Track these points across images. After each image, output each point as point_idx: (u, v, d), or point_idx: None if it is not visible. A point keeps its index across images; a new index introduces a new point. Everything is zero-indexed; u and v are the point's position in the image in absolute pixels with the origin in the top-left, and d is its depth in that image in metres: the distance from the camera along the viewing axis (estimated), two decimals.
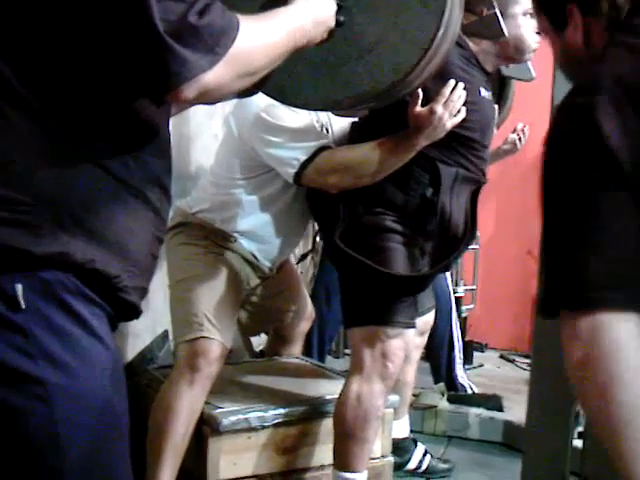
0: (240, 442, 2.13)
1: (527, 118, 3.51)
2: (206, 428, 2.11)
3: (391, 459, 2.38)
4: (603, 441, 0.96)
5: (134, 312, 1.12)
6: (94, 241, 1.00)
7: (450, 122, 1.92)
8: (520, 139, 2.73)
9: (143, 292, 1.12)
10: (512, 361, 4.12)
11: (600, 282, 0.95)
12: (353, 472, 2.08)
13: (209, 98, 1.05)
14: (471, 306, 4.06)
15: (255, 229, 2.26)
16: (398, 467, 2.57)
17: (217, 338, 2.10)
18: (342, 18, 1.43)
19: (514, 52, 2.13)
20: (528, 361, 3.99)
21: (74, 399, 0.98)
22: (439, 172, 2.03)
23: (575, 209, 0.99)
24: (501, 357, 4.21)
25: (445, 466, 2.77)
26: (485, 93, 2.13)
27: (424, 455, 2.73)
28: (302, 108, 1.84)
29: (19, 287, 0.94)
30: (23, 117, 0.97)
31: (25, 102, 0.97)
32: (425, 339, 2.65)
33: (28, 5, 0.97)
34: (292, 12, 1.22)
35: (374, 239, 2.05)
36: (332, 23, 1.35)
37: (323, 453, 2.25)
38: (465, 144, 2.07)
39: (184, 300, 2.17)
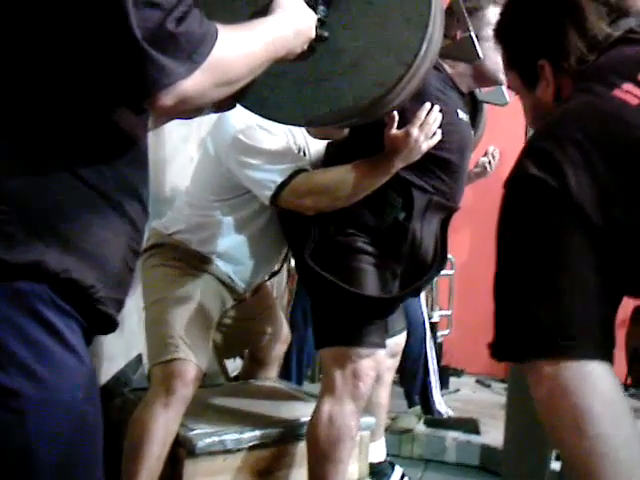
0: (216, 465, 2.10)
1: (501, 143, 3.56)
2: (181, 450, 2.08)
3: None
4: (578, 476, 0.94)
5: (110, 324, 1.11)
6: (69, 250, 0.99)
7: (426, 144, 1.94)
8: (490, 162, 2.76)
9: (119, 304, 1.11)
10: (488, 386, 4.12)
11: (559, 331, 0.95)
12: None
13: (187, 106, 1.04)
14: (447, 331, 4.06)
15: (231, 251, 2.26)
16: None
17: (193, 360, 2.08)
18: (325, 34, 1.45)
19: (489, 74, 2.16)
20: (504, 386, 4.00)
21: (47, 411, 0.97)
22: (412, 197, 2.04)
23: (534, 254, 0.98)
24: (477, 382, 4.22)
25: None
26: (463, 115, 2.16)
27: (401, 479, 2.71)
28: (285, 124, 1.85)
29: None
30: None
31: None
32: (397, 361, 2.63)
33: (4, 9, 0.96)
34: (271, 22, 1.23)
35: (345, 259, 2.05)
36: (312, 34, 1.35)
37: (299, 476, 2.23)
38: (443, 166, 2.08)
39: (159, 322, 2.16)
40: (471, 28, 1.99)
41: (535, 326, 0.97)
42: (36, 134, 0.98)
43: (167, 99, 0.98)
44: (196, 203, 2.28)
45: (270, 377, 2.71)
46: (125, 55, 0.94)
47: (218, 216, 2.24)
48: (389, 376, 2.60)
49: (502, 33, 1.29)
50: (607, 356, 0.96)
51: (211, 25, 1.03)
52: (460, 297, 4.21)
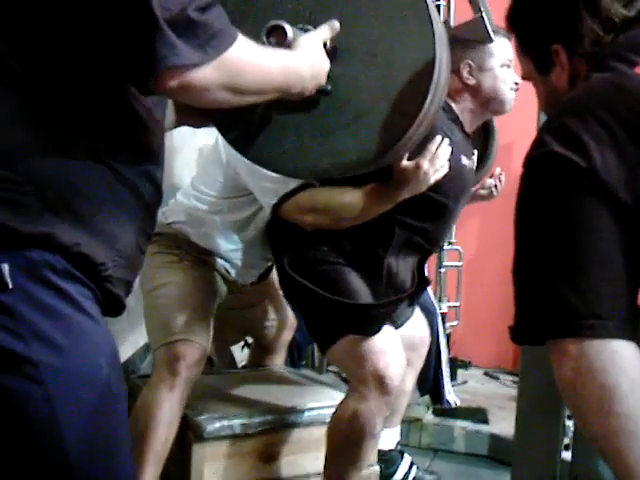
0: (224, 449, 2.10)
1: (512, 136, 3.54)
2: (190, 434, 2.08)
3: (377, 468, 2.35)
4: (605, 455, 0.95)
5: (118, 306, 1.10)
6: (81, 226, 0.99)
7: (434, 177, 1.94)
8: (496, 186, 2.74)
9: (128, 286, 1.11)
10: (496, 378, 4.10)
11: (585, 309, 0.94)
12: None
13: (188, 96, 1.03)
14: (455, 323, 4.04)
15: (228, 249, 2.30)
16: (384, 478, 2.54)
17: (196, 340, 2.08)
18: (328, 87, 1.44)
19: (494, 104, 2.20)
20: (512, 378, 3.98)
21: (69, 378, 0.96)
22: (393, 234, 2.05)
23: (558, 232, 0.97)
24: (485, 374, 4.19)
25: (431, 477, 2.74)
26: (466, 161, 2.18)
27: (410, 467, 2.69)
28: (291, 177, 1.86)
29: (5, 266, 0.92)
30: (13, 94, 0.95)
31: (16, 79, 0.95)
32: (421, 353, 2.58)
33: None
34: (293, 54, 1.25)
35: (322, 267, 2.05)
36: (324, 80, 1.37)
37: (308, 462, 2.22)
38: (436, 209, 2.10)
39: (159, 306, 2.16)
40: (483, 8, 1.98)
41: (559, 304, 0.95)
42: (52, 108, 0.98)
43: (171, 80, 0.97)
44: (199, 198, 2.31)
45: (277, 364, 2.71)
46: (140, 29, 0.93)
47: (219, 213, 2.27)
48: (418, 364, 2.57)
49: (514, 19, 1.28)
50: (632, 335, 0.95)
51: (232, 27, 1.02)
52: (468, 289, 4.19)
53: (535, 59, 1.24)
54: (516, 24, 1.27)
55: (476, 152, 2.34)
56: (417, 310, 2.46)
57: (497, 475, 2.83)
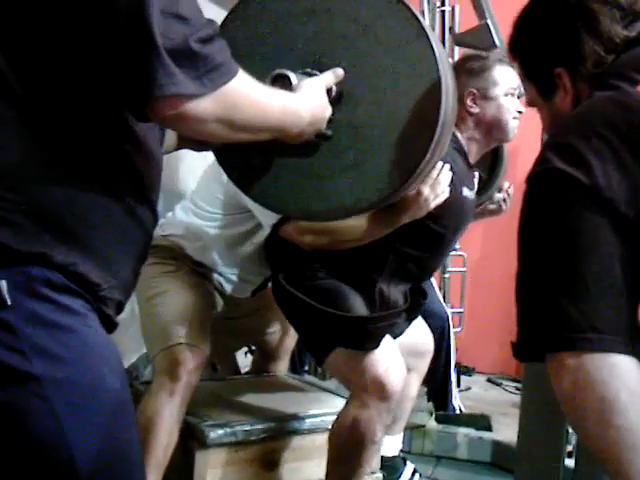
0: (227, 456, 2.10)
1: (516, 142, 3.54)
2: (193, 441, 2.07)
3: (379, 475, 2.35)
4: (606, 466, 0.94)
5: (110, 325, 1.09)
6: (77, 247, 0.98)
7: (434, 203, 1.95)
8: (505, 200, 2.74)
9: (119, 307, 1.10)
10: (499, 385, 4.10)
11: (585, 323, 0.93)
12: None
13: (183, 127, 1.03)
14: (458, 329, 4.03)
15: (224, 264, 2.30)
16: None
17: (195, 344, 2.07)
18: (329, 132, 1.45)
19: (497, 133, 2.23)
20: (515, 385, 3.98)
21: (73, 390, 0.96)
22: (387, 261, 2.07)
23: (560, 247, 0.97)
24: (488, 381, 4.19)
25: None
26: (467, 192, 2.20)
27: (413, 474, 2.69)
28: (283, 214, 1.88)
29: (3, 283, 0.92)
30: (14, 112, 0.95)
31: (16, 97, 0.95)
32: (425, 360, 2.57)
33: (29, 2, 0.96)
34: (293, 95, 1.26)
35: (316, 282, 2.07)
36: (323, 126, 1.37)
37: (310, 469, 2.22)
38: (433, 240, 2.12)
39: (157, 314, 2.16)
40: (488, 15, 1.98)
41: (559, 318, 0.95)
42: (54, 131, 0.97)
43: (167, 109, 0.96)
44: (197, 213, 2.32)
45: (280, 370, 2.71)
46: (140, 55, 0.93)
47: (217, 229, 2.28)
48: (423, 366, 2.57)
49: (516, 46, 1.29)
50: (632, 351, 0.94)
51: (233, 62, 1.02)
52: (472, 295, 4.19)
53: (538, 84, 1.24)
54: (518, 50, 1.28)
55: (477, 175, 2.37)
56: (419, 318, 2.46)
57: None
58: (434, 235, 2.11)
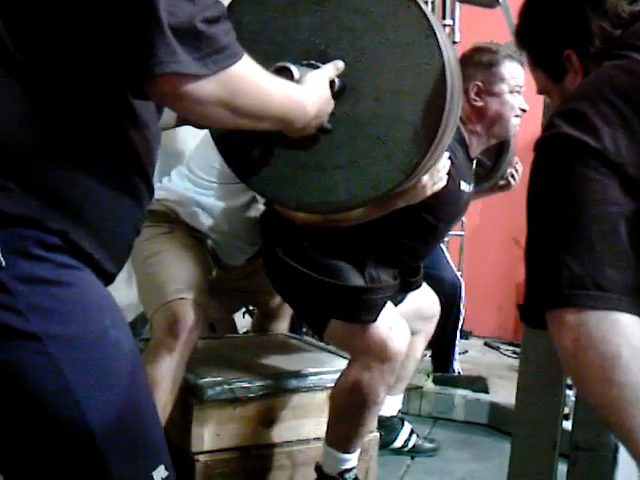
0: (225, 413, 2.10)
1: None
2: (191, 398, 2.07)
3: (377, 434, 2.35)
4: (609, 424, 0.94)
5: (107, 279, 1.07)
6: (69, 216, 0.96)
7: (430, 190, 1.94)
8: (513, 176, 2.71)
9: (111, 278, 1.08)
10: (497, 348, 4.12)
11: (588, 280, 0.92)
12: (345, 452, 2.05)
13: (181, 107, 1.00)
14: None
15: (217, 231, 2.29)
16: (384, 445, 2.55)
17: (194, 299, 2.05)
18: (329, 126, 1.42)
19: (497, 129, 2.24)
20: (512, 349, 4.00)
21: (75, 345, 0.94)
22: (377, 247, 2.06)
23: (567, 206, 0.96)
24: (485, 344, 4.21)
25: (431, 445, 2.76)
26: (464, 186, 2.20)
27: (410, 434, 2.71)
28: (275, 202, 1.87)
29: None
30: (10, 80, 0.93)
31: (15, 64, 0.93)
32: (431, 323, 2.58)
33: None
34: (298, 87, 1.24)
35: (314, 254, 2.06)
36: (326, 119, 1.36)
37: (309, 426, 2.22)
38: (426, 231, 2.14)
39: (154, 273, 2.14)
40: None
41: (562, 275, 0.94)
42: (52, 99, 0.95)
43: (167, 87, 0.94)
44: (193, 180, 2.31)
45: (281, 331, 2.71)
46: (142, 30, 0.90)
47: (212, 197, 2.27)
48: (428, 332, 2.58)
49: (522, 34, 1.29)
50: (635, 311, 0.93)
51: (238, 45, 0.99)
52: (469, 259, 4.19)
53: (548, 69, 1.25)
54: (525, 38, 1.29)
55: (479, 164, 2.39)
56: (424, 285, 2.47)
57: (496, 443, 2.84)
58: (426, 226, 2.12)
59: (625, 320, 0.92)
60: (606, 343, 0.91)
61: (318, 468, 2.09)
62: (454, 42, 3.96)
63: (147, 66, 0.91)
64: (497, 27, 3.29)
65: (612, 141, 0.94)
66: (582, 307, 0.92)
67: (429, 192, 1.93)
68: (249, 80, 1.04)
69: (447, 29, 3.95)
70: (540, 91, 1.32)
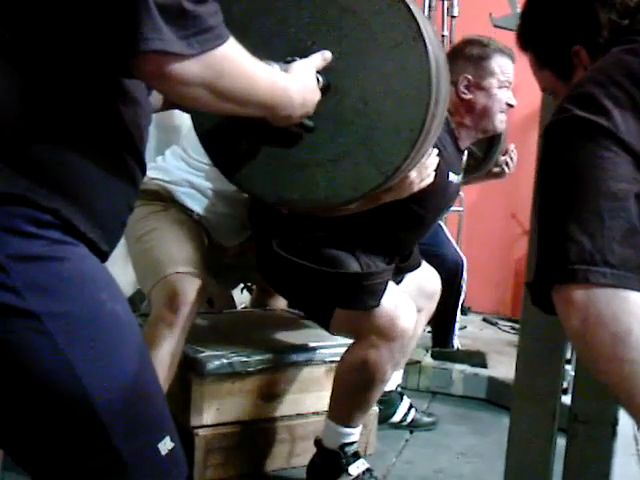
0: (224, 387, 2.10)
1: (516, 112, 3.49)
2: (190, 372, 2.07)
3: (376, 409, 2.36)
4: (619, 401, 0.94)
5: (101, 256, 1.05)
6: (60, 195, 0.94)
7: (418, 186, 1.93)
8: (507, 164, 2.69)
9: (104, 256, 1.06)
10: (495, 324, 4.13)
11: (598, 256, 0.91)
12: (349, 427, 2.05)
13: (165, 86, 0.98)
14: None
15: (210, 211, 2.27)
16: (383, 419, 2.56)
17: (192, 272, 2.03)
18: (311, 124, 1.42)
19: (484, 123, 2.25)
20: (511, 324, 4.00)
21: (74, 321, 0.93)
22: (366, 238, 2.05)
23: (577, 183, 0.96)
24: (484, 320, 4.22)
25: (430, 419, 2.76)
26: (453, 177, 2.19)
27: (409, 409, 2.72)
28: (255, 196, 1.84)
29: None
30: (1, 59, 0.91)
31: (3, 42, 0.91)
32: (433, 300, 2.58)
33: None
34: (284, 75, 1.23)
35: (309, 244, 2.04)
36: (312, 110, 1.33)
37: (309, 400, 2.24)
38: (413, 221, 2.13)
39: (151, 249, 2.12)
40: None
41: (571, 250, 0.93)
42: (42, 77, 0.93)
43: (150, 65, 0.92)
44: (187, 160, 2.29)
45: (280, 306, 2.70)
46: (128, 5, 0.88)
47: (205, 180, 2.26)
48: (429, 310, 2.58)
49: (527, 35, 1.28)
50: None
51: (225, 28, 0.97)
52: (468, 235, 4.18)
53: (555, 67, 1.24)
54: (530, 38, 1.28)
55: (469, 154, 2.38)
56: (424, 264, 2.47)
57: (494, 417, 2.85)
58: (414, 216, 2.11)
59: (634, 297, 0.91)
60: (617, 321, 0.90)
61: (318, 442, 2.09)
62: (453, 16, 3.94)
63: (132, 42, 0.89)
64: (496, 1, 3.28)
65: (623, 122, 0.94)
66: (591, 284, 0.91)
67: (416, 188, 1.93)
68: (235, 63, 1.02)
69: (446, 3, 3.93)
70: (544, 89, 1.31)
